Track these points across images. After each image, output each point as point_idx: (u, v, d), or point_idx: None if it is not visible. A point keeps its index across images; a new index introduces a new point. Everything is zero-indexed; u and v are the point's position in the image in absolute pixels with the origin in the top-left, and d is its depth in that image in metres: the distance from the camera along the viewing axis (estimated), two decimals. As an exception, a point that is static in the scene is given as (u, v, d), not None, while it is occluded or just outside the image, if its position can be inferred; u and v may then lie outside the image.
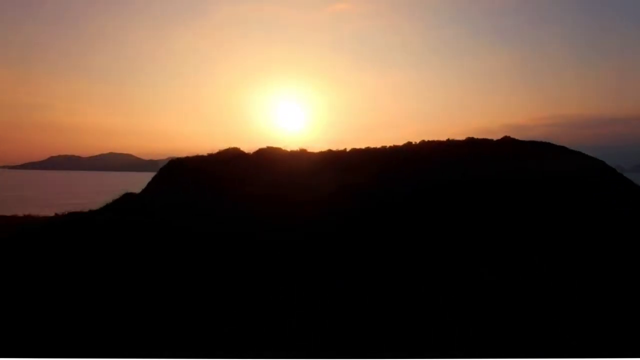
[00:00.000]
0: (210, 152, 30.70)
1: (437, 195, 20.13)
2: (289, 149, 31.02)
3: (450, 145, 35.76)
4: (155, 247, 16.51)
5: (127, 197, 27.61)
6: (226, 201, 23.34)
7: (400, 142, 33.95)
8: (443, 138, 36.38)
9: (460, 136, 36.64)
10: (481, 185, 21.96)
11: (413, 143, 34.01)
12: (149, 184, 30.41)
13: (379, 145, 32.52)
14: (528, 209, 17.63)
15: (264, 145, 30.87)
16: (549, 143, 38.89)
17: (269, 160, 29.50)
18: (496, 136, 37.98)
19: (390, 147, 32.30)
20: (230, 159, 29.99)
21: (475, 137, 37.10)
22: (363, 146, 31.54)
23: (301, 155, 30.92)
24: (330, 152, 31.41)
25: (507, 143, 38.20)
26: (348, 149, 31.29)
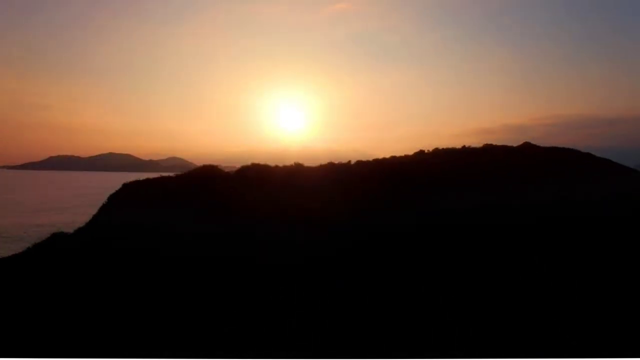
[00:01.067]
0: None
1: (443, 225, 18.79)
2: (281, 164, 27.50)
3: (465, 153, 34.86)
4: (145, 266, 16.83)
5: (56, 238, 22.81)
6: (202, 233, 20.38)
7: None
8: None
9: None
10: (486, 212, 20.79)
11: (425, 152, 33.09)
12: (95, 216, 25.77)
13: (387, 151, 30.80)
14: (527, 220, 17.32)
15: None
16: (571, 149, 38.00)
17: (253, 182, 24.76)
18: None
19: (400, 157, 31.05)
20: (206, 180, 25.41)
21: (493, 143, 35.59)
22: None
23: (295, 173, 26.48)
24: (331, 165, 28.28)
25: (527, 150, 37.42)
26: (353, 161, 28.91)
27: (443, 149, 35.23)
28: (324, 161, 29.78)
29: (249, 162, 28.84)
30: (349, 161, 30.21)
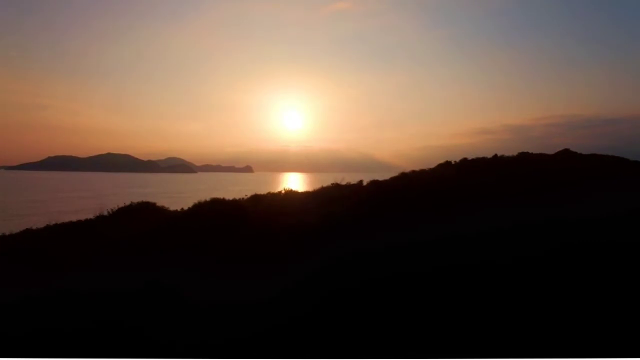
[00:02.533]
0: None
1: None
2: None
3: (498, 164, 31.35)
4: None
5: None
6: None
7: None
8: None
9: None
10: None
11: (452, 163, 29.54)
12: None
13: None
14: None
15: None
16: (616, 157, 34.64)
17: (220, 228, 16.59)
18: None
19: (421, 171, 27.32)
20: (134, 224, 17.41)
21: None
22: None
23: (282, 209, 18.87)
24: (337, 187, 23.65)
25: (569, 159, 34.02)
26: (365, 182, 24.37)
27: (472, 159, 31.82)
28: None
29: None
30: (361, 181, 26.35)
